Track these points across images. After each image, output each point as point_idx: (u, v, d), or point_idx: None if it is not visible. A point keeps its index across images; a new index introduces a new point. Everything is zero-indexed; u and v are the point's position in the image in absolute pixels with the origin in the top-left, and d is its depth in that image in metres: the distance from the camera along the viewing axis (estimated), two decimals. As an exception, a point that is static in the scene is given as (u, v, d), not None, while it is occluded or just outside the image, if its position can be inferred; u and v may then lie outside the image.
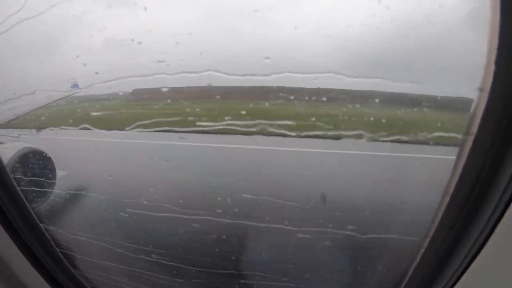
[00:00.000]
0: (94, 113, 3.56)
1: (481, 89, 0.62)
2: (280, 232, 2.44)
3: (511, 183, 0.61)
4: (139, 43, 2.20)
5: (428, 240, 0.76)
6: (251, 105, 2.62)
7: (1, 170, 1.06)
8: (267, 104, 2.54)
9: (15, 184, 1.08)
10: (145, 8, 1.93)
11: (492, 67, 0.58)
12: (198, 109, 2.84)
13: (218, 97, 2.57)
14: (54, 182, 2.91)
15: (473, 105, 0.63)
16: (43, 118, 4.05)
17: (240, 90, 2.77)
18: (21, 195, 1.10)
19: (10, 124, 3.37)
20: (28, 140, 2.97)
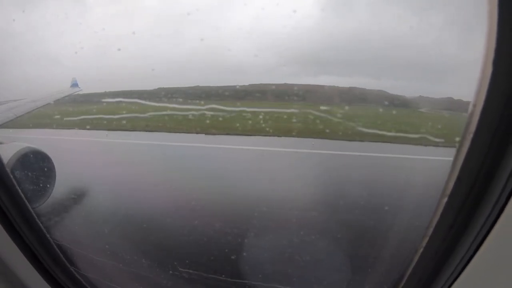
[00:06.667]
0: (92, 113, 3.58)
1: (479, 90, 0.62)
2: (279, 233, 2.44)
3: (509, 183, 0.61)
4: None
5: (426, 239, 0.76)
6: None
7: (1, 170, 1.06)
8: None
9: (15, 184, 1.08)
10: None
11: (490, 68, 0.58)
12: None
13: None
14: (54, 182, 2.91)
15: (471, 106, 0.63)
16: (43, 118, 4.05)
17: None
18: (21, 195, 1.10)
19: (10, 124, 3.37)
20: (27, 140, 2.97)
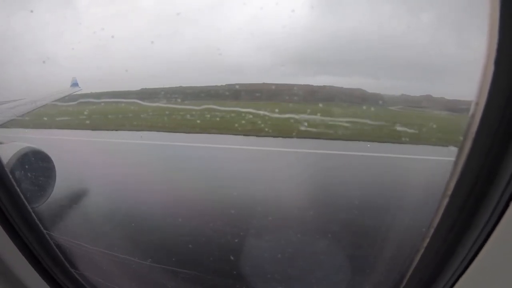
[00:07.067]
0: (92, 113, 3.59)
1: (480, 89, 0.61)
2: (278, 233, 2.44)
3: (511, 183, 0.60)
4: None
5: (427, 240, 0.76)
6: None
7: (1, 170, 1.06)
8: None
9: (14, 184, 1.08)
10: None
11: (492, 67, 0.57)
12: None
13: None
14: (54, 182, 2.91)
15: (473, 106, 0.63)
16: (43, 118, 4.04)
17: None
18: (21, 195, 1.09)
19: (10, 124, 3.37)
20: (27, 140, 2.97)
